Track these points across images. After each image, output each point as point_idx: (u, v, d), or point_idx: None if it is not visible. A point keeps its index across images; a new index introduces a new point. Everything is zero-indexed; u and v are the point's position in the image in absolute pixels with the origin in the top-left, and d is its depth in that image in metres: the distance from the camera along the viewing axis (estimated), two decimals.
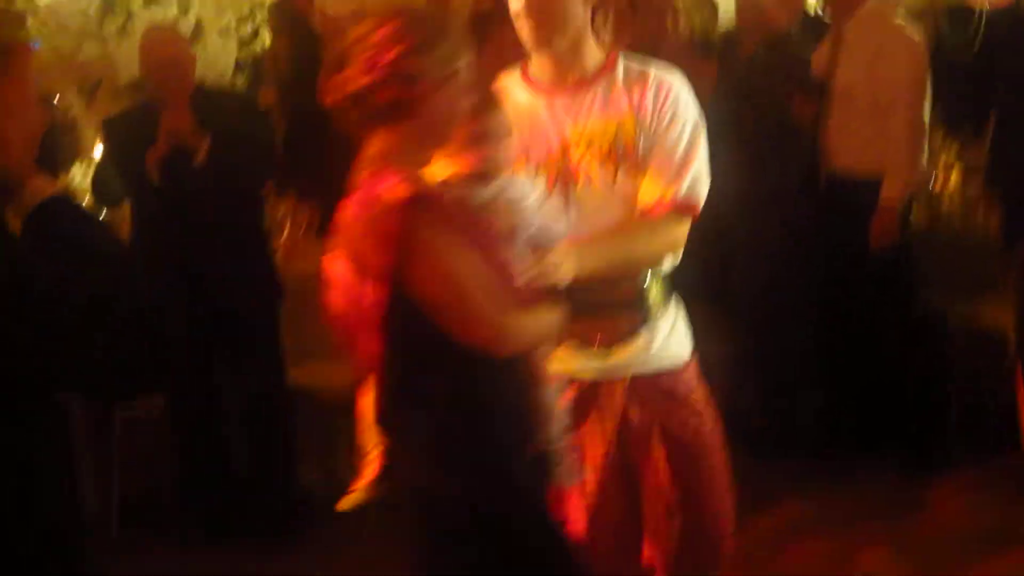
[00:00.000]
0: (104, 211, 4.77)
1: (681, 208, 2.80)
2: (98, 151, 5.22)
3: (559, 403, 2.50)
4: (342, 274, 2.30)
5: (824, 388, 4.99)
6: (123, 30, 6.52)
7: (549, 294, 2.45)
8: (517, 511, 2.38)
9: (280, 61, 6.08)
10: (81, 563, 1.86)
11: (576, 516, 2.75)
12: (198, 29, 6.83)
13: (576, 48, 2.79)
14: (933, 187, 5.04)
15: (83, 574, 1.86)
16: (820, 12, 5.92)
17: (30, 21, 5.81)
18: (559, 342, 2.58)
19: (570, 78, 2.81)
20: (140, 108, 4.52)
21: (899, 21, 4.71)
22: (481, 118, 2.45)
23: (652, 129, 2.78)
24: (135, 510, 4.61)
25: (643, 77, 2.82)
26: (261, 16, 6.91)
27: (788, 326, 4.92)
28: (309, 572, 4.23)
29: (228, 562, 4.32)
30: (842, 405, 4.94)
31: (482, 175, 2.45)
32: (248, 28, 7.01)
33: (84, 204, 4.78)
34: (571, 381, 2.76)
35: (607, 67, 2.83)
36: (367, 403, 2.43)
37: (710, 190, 2.85)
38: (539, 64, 2.84)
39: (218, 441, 4.57)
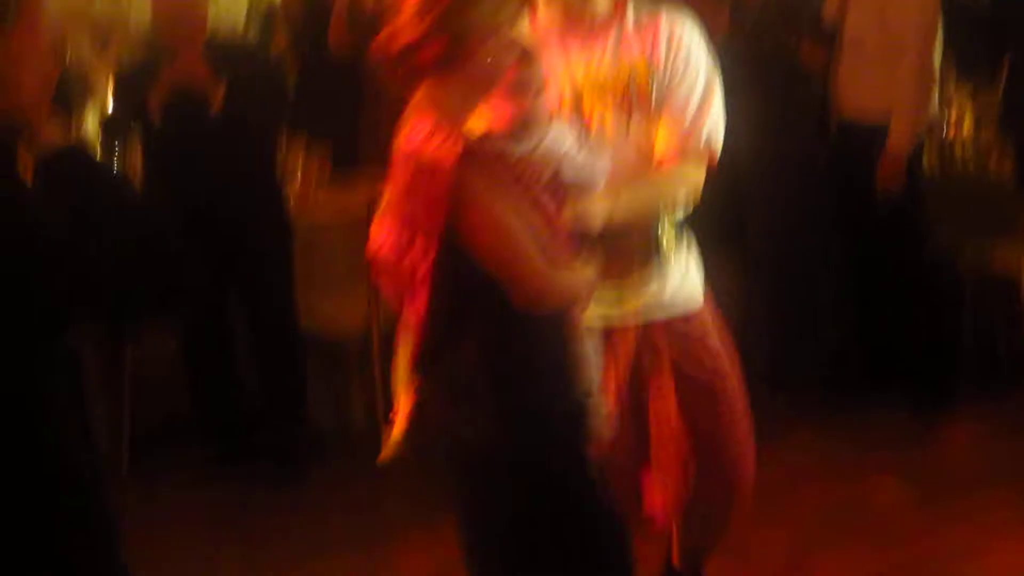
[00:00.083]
0: (116, 162, 4.80)
1: (700, 156, 2.80)
2: (110, 99, 5.25)
3: (596, 356, 2.52)
4: (389, 230, 2.33)
5: (837, 327, 5.05)
6: None
7: (583, 242, 2.47)
8: (555, 460, 2.41)
9: (292, 8, 6.07)
10: (95, 505, 1.88)
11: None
12: None
13: None
14: (946, 133, 5.03)
15: (97, 515, 1.89)
16: None
17: None
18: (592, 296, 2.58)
19: (581, 24, 2.79)
20: (151, 57, 4.55)
21: None
22: (519, 70, 2.44)
23: (666, 76, 2.77)
24: (144, 444, 4.68)
25: (654, 21, 2.81)
26: None
27: (803, 267, 5.00)
28: (317, 504, 4.31)
29: (236, 493, 4.43)
30: (855, 342, 5.01)
31: (522, 127, 2.45)
32: None
33: (97, 152, 4.82)
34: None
35: (617, 12, 2.81)
36: (404, 355, 2.46)
37: (724, 133, 2.85)
38: (548, 11, 2.82)
39: (230, 375, 4.67)
